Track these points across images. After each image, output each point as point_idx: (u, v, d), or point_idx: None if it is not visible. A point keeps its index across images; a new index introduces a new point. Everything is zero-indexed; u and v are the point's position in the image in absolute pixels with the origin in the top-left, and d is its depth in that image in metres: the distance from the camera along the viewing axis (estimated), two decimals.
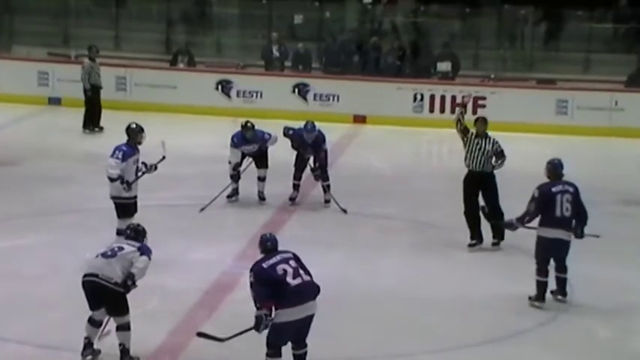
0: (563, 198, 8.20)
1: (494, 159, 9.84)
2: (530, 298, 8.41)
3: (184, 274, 8.65)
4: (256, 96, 17.68)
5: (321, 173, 11.31)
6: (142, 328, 7.02)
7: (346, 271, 9.16)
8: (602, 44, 19.21)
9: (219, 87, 17.76)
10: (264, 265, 6.37)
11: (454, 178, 13.41)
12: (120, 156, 8.94)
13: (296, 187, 11.44)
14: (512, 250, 9.98)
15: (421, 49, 18.62)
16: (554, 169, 8.38)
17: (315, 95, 17.58)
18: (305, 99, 17.60)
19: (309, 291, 6.37)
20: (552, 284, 8.49)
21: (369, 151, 15.27)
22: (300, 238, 9.96)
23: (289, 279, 6.27)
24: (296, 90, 17.62)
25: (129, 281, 6.74)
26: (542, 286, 8.31)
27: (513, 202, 11.96)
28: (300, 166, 11.42)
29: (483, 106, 17.15)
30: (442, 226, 10.85)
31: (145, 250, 6.95)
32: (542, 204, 8.21)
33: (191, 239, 9.59)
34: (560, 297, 8.42)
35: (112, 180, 8.97)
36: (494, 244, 9.86)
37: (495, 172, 9.78)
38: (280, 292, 6.24)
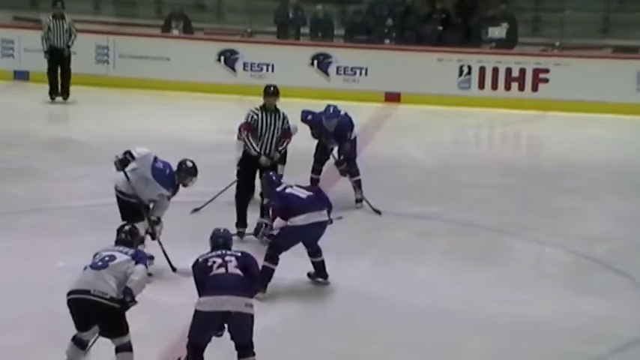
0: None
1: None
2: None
3: (178, 286, 8.64)
4: (267, 69, 17.68)
5: (349, 167, 11.26)
6: None
7: (375, 284, 9.13)
8: None
9: (222, 59, 17.78)
10: (200, 259, 7.15)
11: (508, 170, 13.47)
12: (169, 184, 8.98)
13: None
14: (581, 258, 9.91)
15: (468, 11, 18.53)
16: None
17: (338, 69, 17.57)
18: (326, 73, 17.59)
19: (230, 284, 6.90)
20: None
21: (404, 137, 15.23)
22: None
23: (214, 268, 7.00)
24: (315, 62, 17.62)
25: (127, 297, 6.83)
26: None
27: (580, 198, 12.02)
28: (320, 158, 11.38)
29: (545, 80, 17.10)
30: (493, 228, 10.80)
31: (140, 258, 7.04)
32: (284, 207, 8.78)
33: (186, 245, 9.54)
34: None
35: (133, 197, 8.94)
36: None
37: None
38: (204, 280, 7.00)
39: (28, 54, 17.71)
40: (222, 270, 6.96)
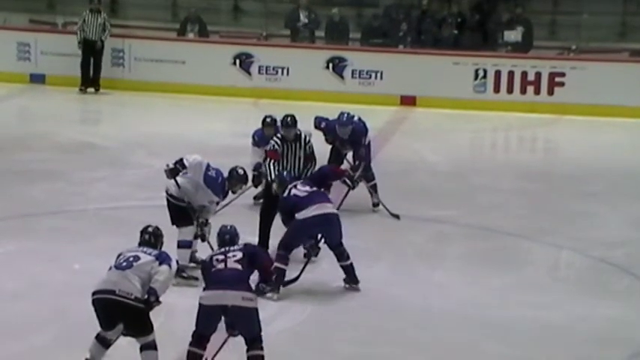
0: None
1: None
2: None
3: (193, 290, 8.66)
4: (282, 73, 17.71)
5: (364, 172, 11.27)
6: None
7: (392, 288, 9.15)
8: None
9: (237, 62, 17.80)
10: (206, 259, 7.40)
11: (524, 174, 13.46)
12: (220, 191, 9.08)
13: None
14: (599, 262, 9.91)
15: (484, 15, 18.51)
16: None
17: (353, 72, 17.57)
18: (341, 76, 17.60)
19: (228, 279, 7.11)
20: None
21: (420, 141, 15.23)
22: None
23: (215, 264, 7.24)
24: (330, 65, 17.63)
25: (151, 297, 6.94)
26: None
27: (597, 202, 12.01)
28: (335, 162, 11.39)
29: (561, 84, 17.07)
30: (510, 232, 10.80)
31: (164, 258, 7.13)
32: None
33: (201, 247, 9.62)
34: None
35: (183, 201, 8.97)
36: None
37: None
38: (207, 276, 7.28)
39: (44, 57, 17.78)
40: (221, 265, 7.19)
